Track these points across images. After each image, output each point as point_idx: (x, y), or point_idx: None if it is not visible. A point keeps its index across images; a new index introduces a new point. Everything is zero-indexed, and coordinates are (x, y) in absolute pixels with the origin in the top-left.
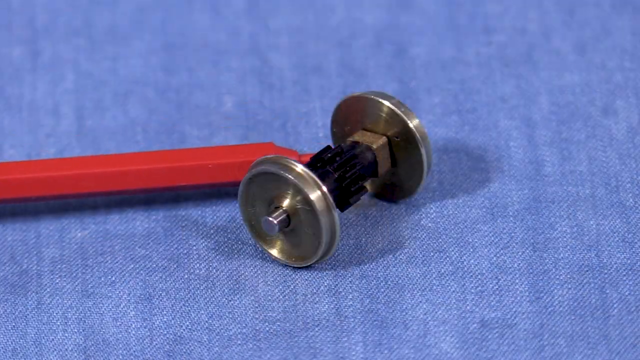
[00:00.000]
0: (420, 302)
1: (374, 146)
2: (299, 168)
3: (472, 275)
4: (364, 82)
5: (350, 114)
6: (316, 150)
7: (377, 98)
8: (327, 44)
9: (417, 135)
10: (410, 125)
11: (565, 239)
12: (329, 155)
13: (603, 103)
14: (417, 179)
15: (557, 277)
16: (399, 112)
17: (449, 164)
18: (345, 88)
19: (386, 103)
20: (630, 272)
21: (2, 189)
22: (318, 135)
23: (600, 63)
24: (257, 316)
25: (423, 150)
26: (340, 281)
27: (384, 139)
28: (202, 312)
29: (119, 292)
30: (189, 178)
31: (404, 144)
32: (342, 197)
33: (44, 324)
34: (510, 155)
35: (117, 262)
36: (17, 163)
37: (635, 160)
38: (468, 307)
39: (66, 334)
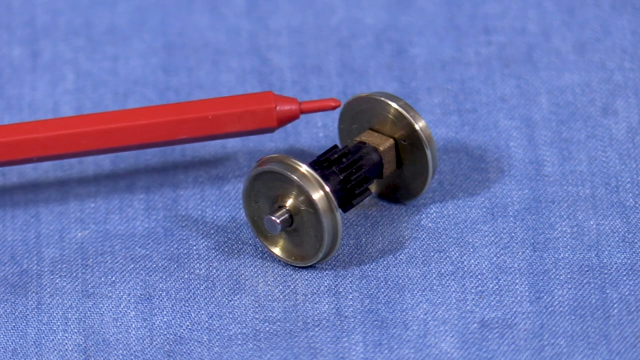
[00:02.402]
0: (421, 302)
1: (381, 148)
2: (304, 168)
3: (472, 275)
4: (364, 82)
5: (358, 113)
6: (317, 149)
7: (385, 99)
8: (327, 44)
9: (424, 139)
10: (417, 128)
11: (565, 239)
12: (336, 155)
13: (603, 103)
14: (422, 181)
15: (557, 277)
16: (406, 114)
17: (449, 164)
18: (345, 88)
19: (393, 105)
20: (630, 272)
21: (4, 151)
22: (318, 135)
23: (600, 63)
24: (257, 316)
25: (429, 153)
26: (341, 281)
27: (390, 141)
28: (202, 312)
29: (119, 292)
30: (189, 131)
31: (411, 146)
32: (346, 199)
33: (44, 324)
34: (510, 155)
35: (117, 262)
36: (17, 125)
37: (635, 160)
38: (468, 307)
39: (66, 334)
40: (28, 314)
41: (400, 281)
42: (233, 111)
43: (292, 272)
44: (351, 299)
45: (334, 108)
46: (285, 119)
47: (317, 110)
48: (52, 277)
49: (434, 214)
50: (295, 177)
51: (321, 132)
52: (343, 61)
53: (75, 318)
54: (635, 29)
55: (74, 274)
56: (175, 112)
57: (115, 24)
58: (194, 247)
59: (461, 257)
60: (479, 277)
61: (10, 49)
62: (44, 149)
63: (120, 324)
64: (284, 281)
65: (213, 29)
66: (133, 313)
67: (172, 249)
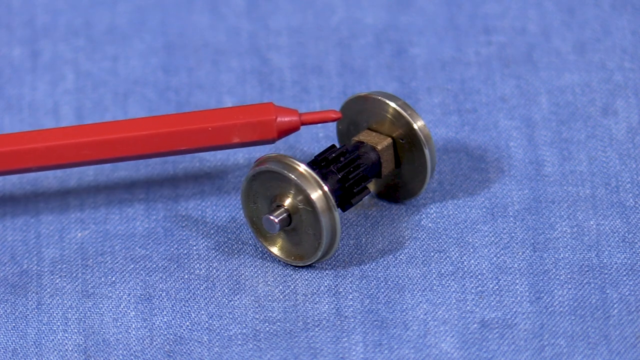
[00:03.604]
0: (421, 302)
1: (379, 147)
2: (302, 168)
3: (472, 276)
4: (364, 82)
5: (357, 113)
6: (316, 149)
7: (383, 99)
8: (327, 44)
9: (422, 138)
10: (415, 127)
11: (565, 239)
12: (334, 155)
13: (603, 103)
14: (421, 180)
15: (557, 277)
16: (404, 114)
17: (449, 164)
18: (345, 88)
19: (392, 104)
20: (630, 272)
21: (4, 160)
22: (318, 136)
23: (600, 63)
24: (257, 316)
25: (427, 153)
26: (341, 281)
27: (388, 140)
28: (202, 312)
29: (119, 292)
30: (189, 142)
31: (409, 146)
32: (345, 198)
33: (44, 324)
34: (510, 155)
35: (117, 262)
36: (18, 134)
37: (635, 160)
38: (468, 307)
39: (66, 334)
40: (28, 314)
41: (400, 281)
42: (233, 123)
43: (292, 272)
44: (351, 299)
45: (334, 120)
46: (286, 131)
47: (318, 122)
48: (52, 277)
49: (434, 214)
50: (293, 177)
51: (321, 132)
52: (343, 61)
53: (75, 318)
54: (635, 29)
55: (74, 274)
56: (175, 123)
57: (115, 24)
58: (194, 247)
59: (461, 257)
60: (479, 277)
61: (10, 49)
62: (43, 159)
63: (120, 324)
64: (284, 281)
65: (213, 29)
66: (133, 313)
67: (172, 249)
